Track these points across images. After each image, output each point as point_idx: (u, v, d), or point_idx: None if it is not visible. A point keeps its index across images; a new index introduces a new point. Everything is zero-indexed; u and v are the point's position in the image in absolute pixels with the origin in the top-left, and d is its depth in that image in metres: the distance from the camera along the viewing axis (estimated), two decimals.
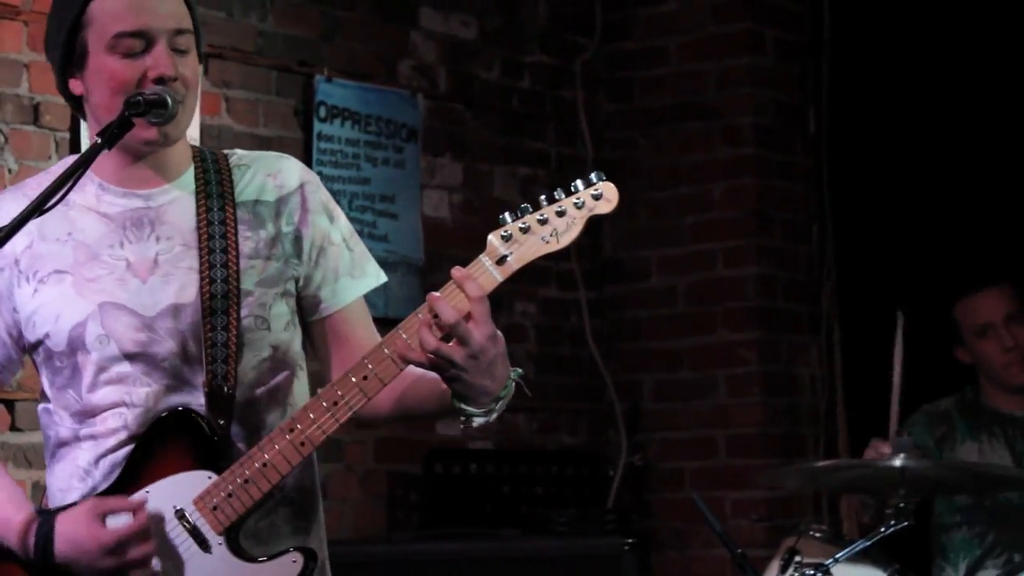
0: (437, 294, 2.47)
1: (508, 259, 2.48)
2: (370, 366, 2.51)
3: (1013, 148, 5.19)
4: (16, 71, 4.18)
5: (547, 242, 2.48)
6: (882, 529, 3.90)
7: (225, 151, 2.73)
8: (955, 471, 4.21)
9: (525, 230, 2.48)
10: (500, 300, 4.80)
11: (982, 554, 4.41)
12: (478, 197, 5.33)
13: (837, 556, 3.83)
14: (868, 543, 3.91)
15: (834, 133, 5.58)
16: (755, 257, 5.45)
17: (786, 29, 5.60)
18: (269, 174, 2.71)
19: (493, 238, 2.49)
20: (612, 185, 2.48)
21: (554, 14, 5.64)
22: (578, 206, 2.47)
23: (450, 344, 2.45)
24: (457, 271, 2.48)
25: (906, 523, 3.90)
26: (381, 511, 4.97)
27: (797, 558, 3.98)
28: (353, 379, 2.53)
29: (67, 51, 2.61)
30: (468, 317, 2.44)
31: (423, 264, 4.94)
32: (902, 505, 3.92)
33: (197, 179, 2.69)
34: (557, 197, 2.49)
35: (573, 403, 5.63)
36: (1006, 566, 4.30)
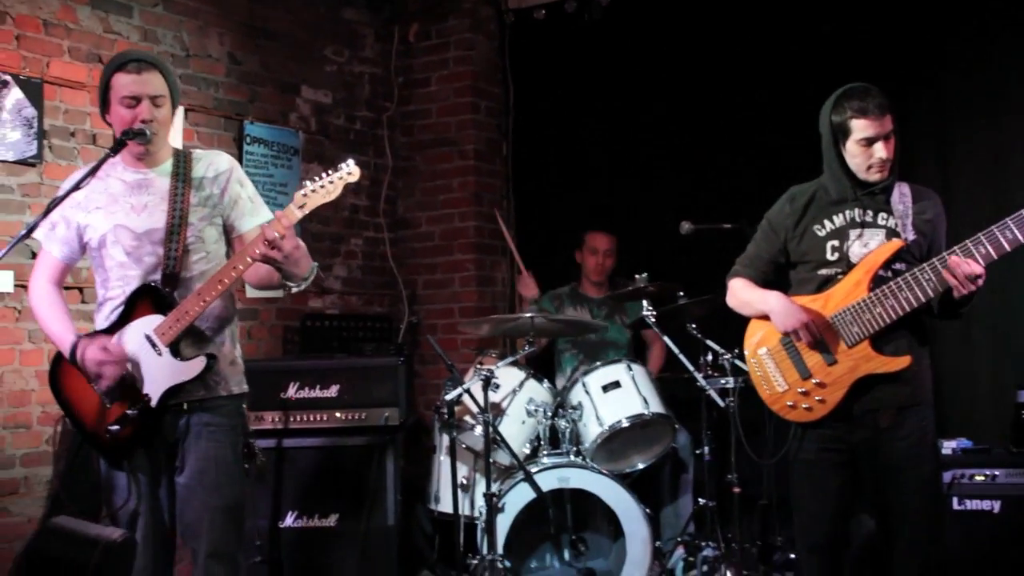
0: (267, 224, 2.85)
1: (305, 205, 2.89)
2: (240, 260, 2.94)
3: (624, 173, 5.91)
4: (82, 117, 4.96)
5: (326, 196, 2.87)
6: (523, 350, 4.77)
7: (190, 150, 3.21)
8: (563, 322, 5.01)
9: (315, 190, 2.90)
10: (345, 238, 5.76)
11: (578, 364, 5.42)
12: None
13: (499, 364, 4.64)
14: (516, 357, 4.83)
15: (516, 156, 6.43)
16: (474, 217, 6.34)
17: (491, 100, 6.45)
18: (211, 163, 3.20)
19: (298, 194, 2.87)
20: (357, 167, 2.90)
21: (372, 91, 6.40)
22: (340, 177, 2.93)
23: (273, 250, 2.87)
24: (278, 212, 2.86)
25: (534, 348, 4.79)
26: (279, 345, 5.80)
27: (481, 365, 4.70)
28: (234, 266, 2.97)
29: (103, 101, 3.11)
30: (284, 236, 2.84)
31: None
32: (531, 339, 4.80)
33: (173, 166, 3.14)
34: (331, 173, 2.92)
35: (380, 290, 6.36)
36: (586, 366, 5.03)
